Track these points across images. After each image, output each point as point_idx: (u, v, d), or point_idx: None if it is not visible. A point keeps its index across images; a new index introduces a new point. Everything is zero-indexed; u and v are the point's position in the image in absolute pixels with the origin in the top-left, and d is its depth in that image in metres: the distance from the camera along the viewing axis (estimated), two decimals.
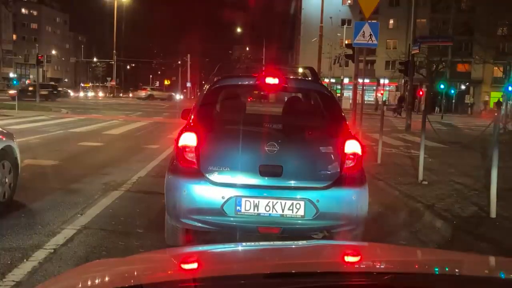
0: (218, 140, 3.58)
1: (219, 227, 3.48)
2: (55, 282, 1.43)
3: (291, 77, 4.88)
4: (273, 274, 1.26)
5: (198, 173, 3.42)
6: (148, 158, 8.36)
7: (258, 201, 3.35)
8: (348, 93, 52.15)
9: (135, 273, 1.33)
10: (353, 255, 1.63)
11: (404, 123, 18.18)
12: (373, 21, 11.95)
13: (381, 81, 50.64)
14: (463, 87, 48.74)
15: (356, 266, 1.49)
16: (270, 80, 3.89)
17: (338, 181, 3.47)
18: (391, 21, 51.47)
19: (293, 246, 1.82)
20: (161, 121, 18.73)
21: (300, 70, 5.57)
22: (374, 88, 50.88)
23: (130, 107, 30.18)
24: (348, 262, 1.53)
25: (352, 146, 3.55)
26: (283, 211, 3.36)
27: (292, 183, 3.44)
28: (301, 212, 3.36)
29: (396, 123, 22.24)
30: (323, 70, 39.50)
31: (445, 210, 5.16)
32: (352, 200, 3.53)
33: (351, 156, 3.54)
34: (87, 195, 5.34)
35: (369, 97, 47.29)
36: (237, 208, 3.34)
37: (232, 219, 3.35)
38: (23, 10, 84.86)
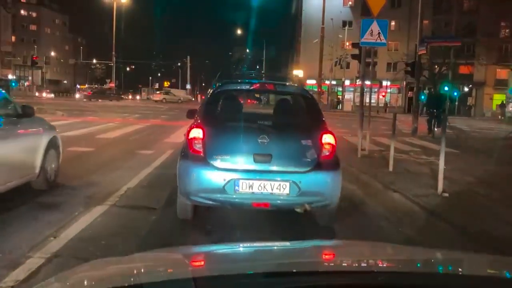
0: (220, 134, 4.33)
1: (221, 203, 4.23)
2: (54, 282, 1.36)
3: (280, 83, 5.73)
4: (274, 273, 1.25)
5: (204, 160, 4.17)
6: (140, 165, 7.70)
7: (253, 182, 4.09)
8: (349, 95, 51.56)
9: (135, 272, 1.31)
10: (353, 255, 1.63)
11: (408, 125, 17.56)
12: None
13: (384, 83, 49.94)
14: (466, 89, 48.05)
15: (356, 265, 1.48)
16: (262, 86, 5.42)
17: (317, 166, 4.22)
18: (393, 23, 50.73)
19: (293, 246, 1.83)
20: (158, 124, 18.09)
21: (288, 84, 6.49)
22: (375, 90, 50.21)
23: (128, 109, 29.55)
24: (348, 261, 1.53)
25: (328, 139, 4.33)
26: (272, 190, 4.09)
27: (280, 168, 4.18)
28: (286, 191, 4.10)
29: (400, 126, 21.57)
30: (324, 71, 38.88)
31: (478, 232, 4.47)
32: (328, 181, 4.29)
33: (327, 146, 4.31)
34: (66, 211, 4.67)
35: (371, 99, 46.62)
36: (236, 188, 4.08)
37: (231, 196, 4.10)
38: (22, 12, 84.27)
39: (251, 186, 4.07)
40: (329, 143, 4.30)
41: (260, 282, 1.19)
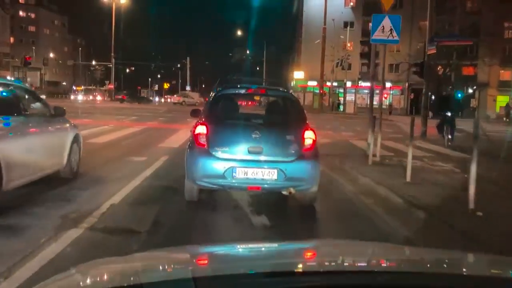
0: (221, 130, 5.14)
1: (222, 187, 5.06)
2: (55, 281, 1.32)
3: (270, 87, 6.63)
4: (274, 273, 1.25)
5: (207, 151, 4.98)
6: (130, 175, 6.89)
7: (247, 170, 4.91)
8: (350, 97, 50.71)
9: (135, 272, 1.30)
10: (353, 254, 1.63)
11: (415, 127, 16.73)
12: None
13: (387, 84, 49.11)
14: (470, 90, 47.21)
15: (356, 265, 1.49)
16: (256, 91, 6.41)
17: (300, 157, 5.06)
18: None
19: (294, 246, 1.83)
20: (155, 127, 17.29)
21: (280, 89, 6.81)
22: (377, 91, 49.36)
23: (126, 111, 28.75)
24: (348, 261, 1.53)
25: (309, 134, 5.16)
26: (263, 176, 4.92)
27: (269, 158, 4.99)
28: (274, 177, 4.93)
29: (407, 128, 20.76)
30: (325, 72, 38.04)
31: None
32: (309, 169, 5.12)
33: (308, 140, 5.14)
34: (31, 237, 3.84)
35: (375, 101, 45.75)
36: (234, 174, 4.90)
37: (230, 181, 4.92)
38: (20, 13, 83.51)
39: (246, 173, 4.90)
40: (310, 138, 5.15)
41: (260, 282, 1.19)
